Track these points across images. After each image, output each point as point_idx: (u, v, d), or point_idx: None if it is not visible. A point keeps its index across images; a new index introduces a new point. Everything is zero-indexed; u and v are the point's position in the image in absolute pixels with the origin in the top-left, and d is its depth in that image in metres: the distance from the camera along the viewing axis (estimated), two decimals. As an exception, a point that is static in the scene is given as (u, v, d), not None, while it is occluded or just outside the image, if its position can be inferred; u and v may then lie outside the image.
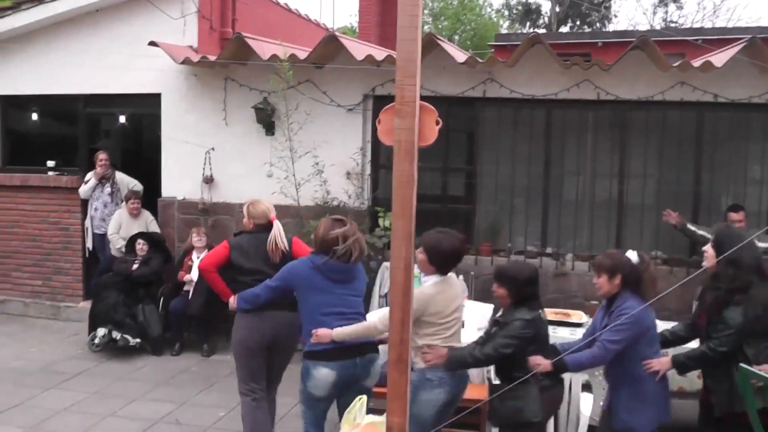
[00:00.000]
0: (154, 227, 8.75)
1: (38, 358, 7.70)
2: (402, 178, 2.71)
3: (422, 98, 2.72)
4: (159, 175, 8.95)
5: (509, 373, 4.29)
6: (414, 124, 2.67)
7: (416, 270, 3.66)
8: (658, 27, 32.13)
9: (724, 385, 4.37)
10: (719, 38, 13.97)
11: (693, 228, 7.01)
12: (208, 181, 8.62)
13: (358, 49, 7.84)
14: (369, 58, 7.60)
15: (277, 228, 5.24)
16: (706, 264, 4.63)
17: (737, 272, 4.35)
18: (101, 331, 7.76)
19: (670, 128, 7.76)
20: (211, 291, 5.59)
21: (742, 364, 4.01)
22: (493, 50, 19.98)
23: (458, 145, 8.39)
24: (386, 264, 7.52)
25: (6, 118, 9.73)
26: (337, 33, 8.02)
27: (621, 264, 4.39)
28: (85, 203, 9.09)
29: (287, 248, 5.21)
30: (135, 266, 8.10)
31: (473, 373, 5.19)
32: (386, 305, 6.82)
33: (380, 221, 7.95)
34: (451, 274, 4.56)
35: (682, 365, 4.46)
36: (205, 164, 8.63)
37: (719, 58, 7.15)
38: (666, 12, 34.84)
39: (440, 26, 31.48)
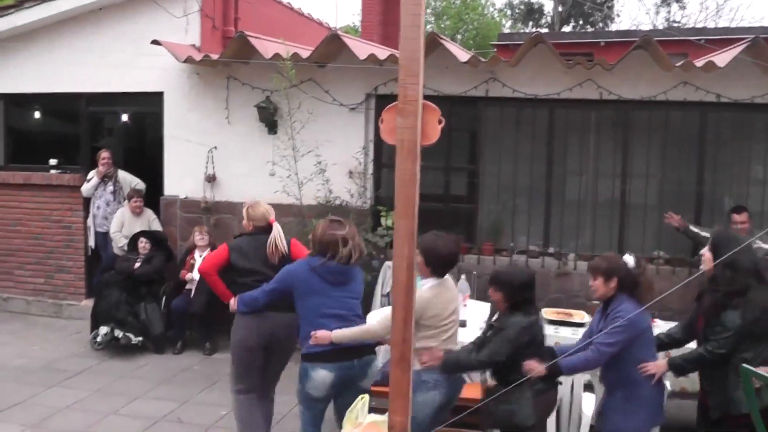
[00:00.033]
0: (157, 226, 8.76)
1: (40, 356, 7.71)
2: (405, 177, 2.71)
3: (425, 97, 2.71)
4: (161, 174, 8.96)
5: (505, 377, 4.28)
6: (417, 123, 2.67)
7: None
8: (660, 27, 32.14)
9: (721, 388, 4.37)
10: (722, 38, 13.96)
11: (696, 230, 7.01)
12: (211, 179, 8.62)
13: (361, 48, 7.84)
14: (371, 57, 7.60)
15: (277, 230, 5.25)
16: (703, 267, 4.62)
17: (735, 275, 4.34)
18: (103, 330, 7.77)
19: (673, 128, 7.75)
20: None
21: (744, 364, 4.00)
22: (495, 50, 19.98)
23: (461, 144, 8.39)
24: (388, 263, 7.52)
25: (9, 116, 9.74)
26: (339, 32, 8.01)
27: (617, 267, 4.39)
28: (87, 201, 9.09)
29: (287, 250, 5.22)
30: (137, 265, 8.11)
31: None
32: (388, 304, 6.82)
33: (382, 220, 7.96)
34: (448, 277, 4.58)
35: (678, 368, 4.45)
36: (207, 163, 8.64)
37: (722, 58, 7.15)
38: (669, 12, 34.81)
39: (443, 25, 31.47)
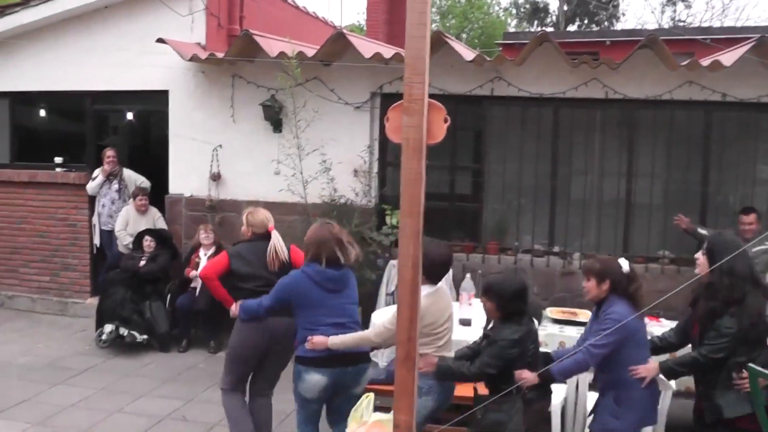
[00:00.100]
0: (162, 224, 8.77)
1: (45, 354, 7.73)
2: (410, 176, 2.70)
3: (430, 96, 2.71)
4: (166, 172, 8.97)
5: (496, 385, 4.27)
6: (422, 122, 2.67)
7: None
8: (666, 26, 32.07)
9: (714, 392, 4.35)
10: (728, 37, 13.92)
11: (703, 231, 6.98)
12: (216, 178, 8.63)
13: (366, 47, 7.83)
14: (377, 56, 7.59)
15: (276, 238, 5.26)
16: (697, 271, 4.59)
17: (734, 282, 4.29)
18: (108, 328, 7.79)
19: (678, 127, 7.73)
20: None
21: (750, 364, 3.99)
22: (500, 49, 19.96)
23: (466, 143, 8.38)
24: (393, 262, 7.53)
25: (14, 114, 9.75)
26: (344, 31, 8.01)
27: (611, 270, 4.37)
28: (92, 200, 9.10)
29: (287, 257, 5.24)
30: (142, 263, 8.12)
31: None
32: (393, 303, 6.83)
33: (387, 219, 7.95)
34: (442, 285, 4.62)
35: (670, 371, 4.43)
36: (212, 161, 8.65)
37: (728, 57, 7.12)
38: (674, 11, 34.76)
39: (448, 24, 31.46)
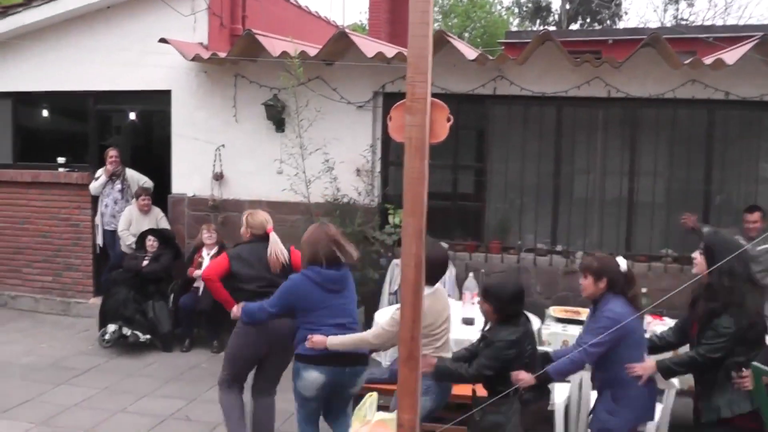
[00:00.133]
0: (164, 224, 8.77)
1: (48, 353, 7.73)
2: (413, 175, 2.70)
3: (432, 95, 2.71)
4: (169, 172, 8.98)
5: (493, 386, 4.27)
6: (425, 121, 2.67)
7: None
8: (668, 24, 31.99)
9: (711, 392, 4.34)
10: (730, 36, 13.90)
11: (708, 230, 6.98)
12: (218, 177, 8.64)
13: (369, 47, 7.83)
14: (379, 56, 7.59)
15: (274, 240, 5.26)
16: (695, 271, 4.57)
17: (733, 282, 4.28)
18: (111, 327, 7.80)
19: (681, 126, 7.73)
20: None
21: (754, 363, 3.98)
22: (503, 48, 19.91)
23: (468, 142, 8.38)
24: (396, 261, 7.52)
25: (17, 114, 9.75)
26: (347, 30, 8.01)
27: (608, 268, 4.37)
28: (95, 200, 9.10)
29: (287, 259, 5.25)
30: (145, 263, 8.12)
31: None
32: (396, 302, 6.83)
33: (390, 218, 7.95)
34: (439, 286, 4.64)
35: (667, 370, 4.41)
36: (215, 161, 8.65)
37: (730, 55, 7.12)
38: (677, 9, 34.67)
39: (450, 24, 31.44)
